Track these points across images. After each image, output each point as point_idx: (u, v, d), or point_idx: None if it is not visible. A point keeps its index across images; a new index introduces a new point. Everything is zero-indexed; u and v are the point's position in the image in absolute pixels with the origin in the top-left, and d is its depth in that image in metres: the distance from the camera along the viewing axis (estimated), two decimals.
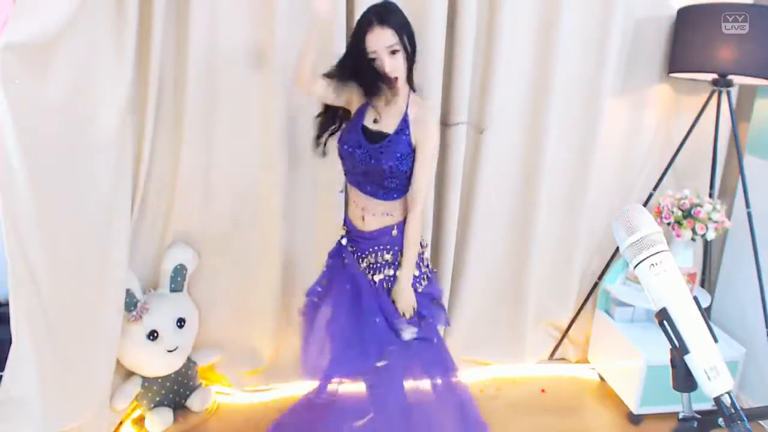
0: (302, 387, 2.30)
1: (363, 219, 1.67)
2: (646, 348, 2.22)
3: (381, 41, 1.50)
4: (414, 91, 1.65)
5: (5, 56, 1.33)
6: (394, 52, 1.52)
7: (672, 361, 0.94)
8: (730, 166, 2.51)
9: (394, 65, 1.53)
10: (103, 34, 1.70)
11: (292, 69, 2.06)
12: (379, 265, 1.67)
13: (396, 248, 1.66)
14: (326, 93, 1.68)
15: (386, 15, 1.51)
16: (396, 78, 1.54)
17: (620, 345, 2.36)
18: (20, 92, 1.38)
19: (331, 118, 1.75)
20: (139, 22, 1.83)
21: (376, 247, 1.67)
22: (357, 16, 1.59)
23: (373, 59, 1.52)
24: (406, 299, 1.64)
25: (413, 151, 1.58)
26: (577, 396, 2.47)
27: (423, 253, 1.74)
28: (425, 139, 1.57)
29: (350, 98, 1.69)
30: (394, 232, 1.65)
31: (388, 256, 1.66)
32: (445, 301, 2.46)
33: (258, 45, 2.05)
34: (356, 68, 1.56)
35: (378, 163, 1.56)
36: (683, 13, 2.24)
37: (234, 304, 2.31)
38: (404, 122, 1.57)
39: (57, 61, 1.50)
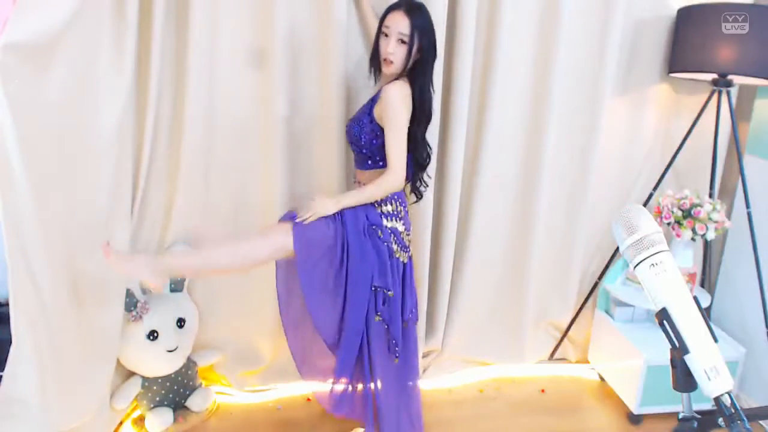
0: (303, 386, 2.33)
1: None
2: (646, 348, 2.22)
3: (397, 24, 1.65)
4: (413, 83, 1.70)
5: (5, 56, 1.33)
6: (402, 41, 1.65)
7: (672, 361, 0.94)
8: (730, 166, 2.51)
9: (395, 50, 1.66)
10: (103, 35, 1.70)
11: (293, 68, 2.08)
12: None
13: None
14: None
15: (413, 8, 1.66)
16: (390, 62, 1.67)
17: (620, 345, 2.36)
18: (20, 92, 1.38)
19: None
20: (139, 22, 1.83)
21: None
22: None
23: (385, 34, 1.68)
24: (318, 206, 1.67)
25: (373, 121, 1.70)
26: (577, 396, 2.47)
27: (404, 235, 1.80)
28: (385, 108, 1.66)
29: None
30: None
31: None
32: (444, 301, 2.46)
33: (258, 45, 2.05)
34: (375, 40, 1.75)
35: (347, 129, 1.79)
36: (683, 13, 2.24)
37: (234, 304, 2.31)
38: (375, 97, 1.72)
39: (57, 61, 1.50)
